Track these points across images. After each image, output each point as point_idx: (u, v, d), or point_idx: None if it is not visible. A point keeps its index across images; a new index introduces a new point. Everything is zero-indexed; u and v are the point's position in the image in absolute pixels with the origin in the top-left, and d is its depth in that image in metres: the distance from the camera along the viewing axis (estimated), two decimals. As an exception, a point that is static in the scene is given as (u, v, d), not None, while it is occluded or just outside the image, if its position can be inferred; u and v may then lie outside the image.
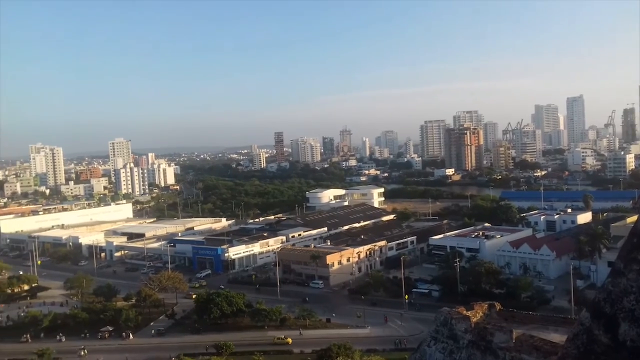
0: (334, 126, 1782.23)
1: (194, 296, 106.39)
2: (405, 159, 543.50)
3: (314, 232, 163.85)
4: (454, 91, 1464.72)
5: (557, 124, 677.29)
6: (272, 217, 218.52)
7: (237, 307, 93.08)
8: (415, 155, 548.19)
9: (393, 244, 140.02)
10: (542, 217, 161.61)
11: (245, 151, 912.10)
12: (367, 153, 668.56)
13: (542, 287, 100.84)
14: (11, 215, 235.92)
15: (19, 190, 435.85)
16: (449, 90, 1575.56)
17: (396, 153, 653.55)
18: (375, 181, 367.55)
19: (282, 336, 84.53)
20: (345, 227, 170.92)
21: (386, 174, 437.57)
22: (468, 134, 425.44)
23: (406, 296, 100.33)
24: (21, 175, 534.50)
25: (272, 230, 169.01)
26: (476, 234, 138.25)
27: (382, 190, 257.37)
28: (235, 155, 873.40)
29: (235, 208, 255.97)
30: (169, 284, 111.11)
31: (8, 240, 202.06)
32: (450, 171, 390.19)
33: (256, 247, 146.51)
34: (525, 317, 23.68)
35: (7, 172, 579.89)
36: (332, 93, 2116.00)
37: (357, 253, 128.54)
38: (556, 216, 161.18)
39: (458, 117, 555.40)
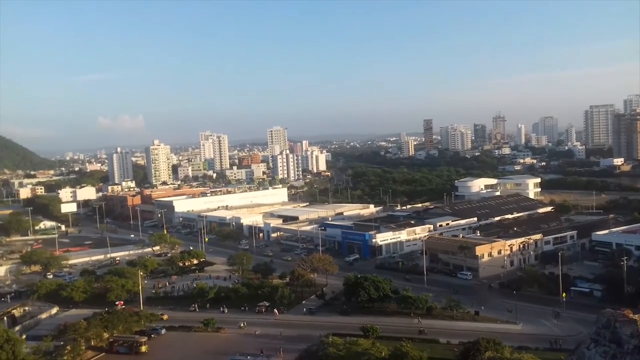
0: (486, 113, 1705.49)
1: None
2: (566, 147, 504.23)
3: (462, 221, 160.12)
4: (623, 73, 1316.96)
5: None
6: (420, 205, 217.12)
7: (383, 293, 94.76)
8: (578, 144, 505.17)
9: (550, 238, 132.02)
10: None
11: (394, 139, 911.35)
12: (523, 141, 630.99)
13: None
14: (184, 196, 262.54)
15: (190, 173, 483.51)
16: (617, 73, 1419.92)
17: (555, 141, 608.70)
18: (530, 171, 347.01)
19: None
20: (497, 218, 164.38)
21: (543, 163, 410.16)
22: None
23: (563, 294, 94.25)
24: (192, 160, 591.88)
25: (420, 218, 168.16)
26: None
27: (538, 180, 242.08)
28: (384, 143, 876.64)
29: (383, 195, 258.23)
30: (319, 266, 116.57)
31: (181, 219, 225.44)
32: (618, 161, 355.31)
33: (403, 235, 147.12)
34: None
35: (180, 157, 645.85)
36: (484, 78, 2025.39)
37: (509, 245, 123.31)
38: None
39: (630, 101, 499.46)
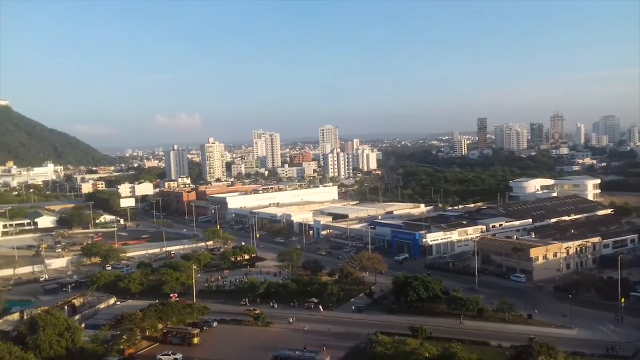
0: (543, 111, 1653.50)
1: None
2: (628, 148, 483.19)
3: (517, 223, 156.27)
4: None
5: None
6: (472, 205, 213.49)
7: (433, 293, 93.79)
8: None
9: (609, 241, 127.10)
10: None
11: (446, 137, 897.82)
12: (582, 140, 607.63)
13: None
14: (236, 193, 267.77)
15: (243, 170, 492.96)
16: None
17: (617, 141, 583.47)
18: (590, 171, 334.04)
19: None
20: (553, 220, 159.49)
21: (604, 164, 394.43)
22: None
23: (622, 299, 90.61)
24: (245, 157, 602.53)
25: (472, 218, 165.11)
26: None
27: (597, 181, 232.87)
28: (435, 142, 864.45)
29: (434, 194, 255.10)
30: (368, 264, 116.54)
31: (233, 215, 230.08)
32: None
33: (454, 235, 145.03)
34: None
35: (234, 155, 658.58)
36: (541, 76, 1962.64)
37: (565, 248, 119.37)
38: None
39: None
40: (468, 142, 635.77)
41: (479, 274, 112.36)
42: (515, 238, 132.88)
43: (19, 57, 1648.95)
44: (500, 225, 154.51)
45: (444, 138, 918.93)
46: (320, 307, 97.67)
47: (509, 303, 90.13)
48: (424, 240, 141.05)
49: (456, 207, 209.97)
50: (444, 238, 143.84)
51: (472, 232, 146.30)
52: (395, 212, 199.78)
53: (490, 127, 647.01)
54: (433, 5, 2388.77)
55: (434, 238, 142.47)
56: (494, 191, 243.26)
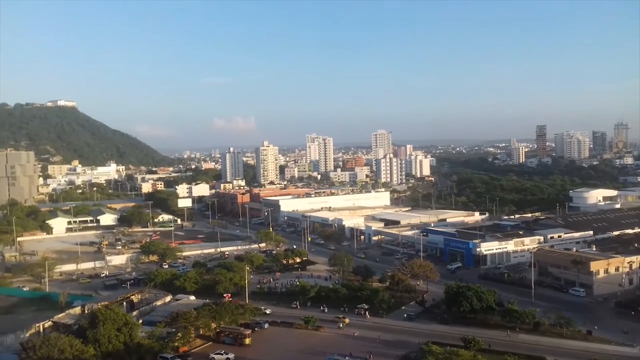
0: (606, 119, 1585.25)
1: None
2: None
3: (576, 234, 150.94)
4: None
5: None
6: (529, 215, 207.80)
7: (487, 304, 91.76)
8: None
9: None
10: None
11: (503, 145, 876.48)
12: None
13: None
14: (289, 196, 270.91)
15: (296, 174, 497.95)
16: None
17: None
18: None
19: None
20: (616, 233, 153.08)
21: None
22: None
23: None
24: (298, 161, 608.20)
25: (529, 228, 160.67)
26: None
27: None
28: (492, 149, 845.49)
29: (490, 203, 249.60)
30: (420, 272, 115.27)
31: (286, 218, 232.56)
32: None
33: (510, 245, 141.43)
34: None
35: (287, 158, 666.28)
36: (604, 82, 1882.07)
37: (628, 263, 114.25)
38: None
39: None
40: (526, 149, 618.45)
41: (535, 286, 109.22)
42: (574, 250, 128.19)
43: (84, 60, 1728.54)
44: (559, 236, 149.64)
45: (500, 145, 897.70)
46: (367, 313, 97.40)
47: (567, 318, 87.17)
48: (478, 249, 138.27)
49: (512, 217, 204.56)
50: (499, 248, 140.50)
51: (529, 243, 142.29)
52: (448, 220, 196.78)
53: (550, 134, 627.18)
54: (493, 7, 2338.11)
55: (488, 248, 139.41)
56: (553, 201, 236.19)
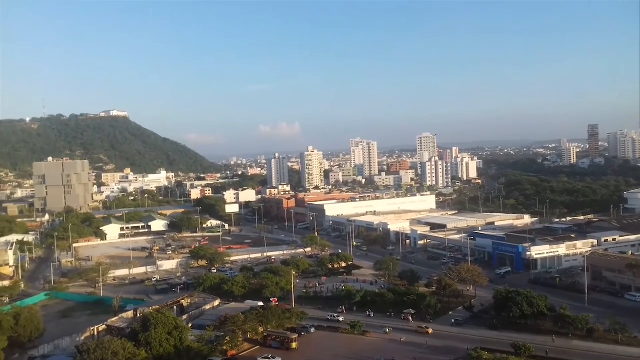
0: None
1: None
2: None
3: (632, 237, 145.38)
4: None
5: None
6: (582, 217, 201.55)
7: (538, 309, 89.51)
8: None
9: None
10: None
11: (553, 145, 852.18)
12: None
13: None
14: (334, 201, 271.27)
15: (340, 178, 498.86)
16: None
17: None
18: None
19: None
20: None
21: None
22: None
23: None
24: (343, 165, 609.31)
25: (581, 232, 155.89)
26: None
27: None
28: (541, 150, 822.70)
29: (540, 205, 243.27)
30: (468, 276, 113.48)
31: (331, 222, 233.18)
32: None
33: (562, 249, 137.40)
34: None
35: (332, 163, 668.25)
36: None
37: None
38: None
39: None
40: (577, 150, 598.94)
41: (589, 291, 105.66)
42: (630, 254, 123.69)
43: (135, 71, 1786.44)
44: (614, 239, 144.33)
45: (550, 146, 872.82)
46: (410, 318, 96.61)
47: (622, 323, 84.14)
48: (528, 253, 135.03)
49: (564, 220, 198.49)
50: (550, 252, 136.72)
51: (582, 247, 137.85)
52: (496, 223, 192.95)
53: (603, 134, 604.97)
54: (536, 5, 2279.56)
55: (539, 251, 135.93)
56: (607, 203, 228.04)
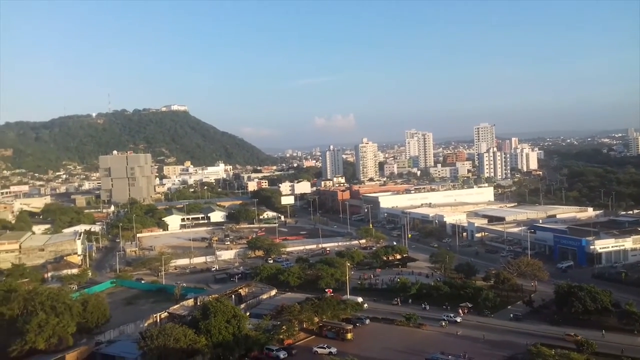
0: None
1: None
2: None
3: None
4: None
5: None
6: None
7: (601, 305, 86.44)
8: None
9: None
10: None
11: (620, 135, 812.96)
12: None
13: None
14: (389, 193, 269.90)
15: (395, 170, 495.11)
16: None
17: None
18: None
19: None
20: None
21: None
22: None
23: None
24: (398, 157, 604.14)
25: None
26: None
27: None
28: (606, 140, 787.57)
29: (605, 197, 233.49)
30: (527, 270, 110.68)
31: (385, 214, 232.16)
32: None
33: (628, 242, 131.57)
34: None
35: (386, 155, 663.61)
36: None
37: None
38: None
39: None
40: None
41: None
42: None
43: (193, 67, 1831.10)
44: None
45: (616, 135, 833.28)
46: (460, 311, 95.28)
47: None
48: (591, 247, 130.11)
49: (630, 212, 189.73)
50: (616, 246, 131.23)
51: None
52: (558, 216, 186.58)
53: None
54: None
55: (603, 245, 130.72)
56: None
